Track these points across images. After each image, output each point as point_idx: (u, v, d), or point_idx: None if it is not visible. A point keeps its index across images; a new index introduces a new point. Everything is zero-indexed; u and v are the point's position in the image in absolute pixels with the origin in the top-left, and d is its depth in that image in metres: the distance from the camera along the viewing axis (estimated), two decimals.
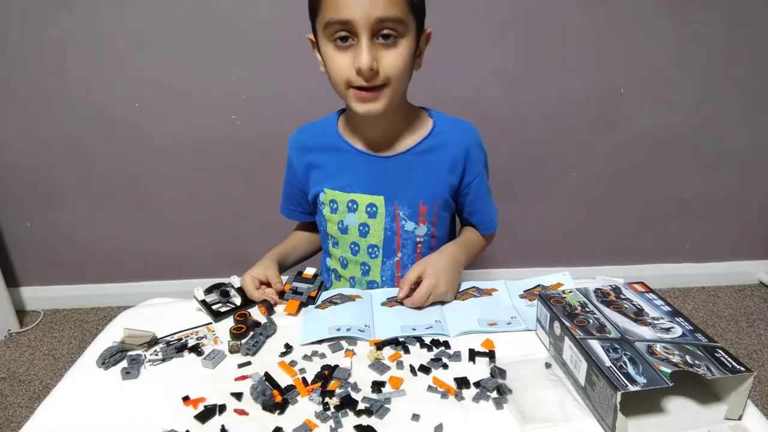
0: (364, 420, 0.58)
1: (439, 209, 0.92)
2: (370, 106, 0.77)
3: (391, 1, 0.70)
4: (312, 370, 0.66)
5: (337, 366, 0.66)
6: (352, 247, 0.93)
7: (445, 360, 0.67)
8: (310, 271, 0.87)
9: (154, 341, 0.72)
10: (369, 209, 0.90)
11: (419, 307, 0.79)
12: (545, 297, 0.69)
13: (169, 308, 0.83)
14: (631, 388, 0.51)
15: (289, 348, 0.71)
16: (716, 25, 1.65)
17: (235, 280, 0.86)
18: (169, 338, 0.74)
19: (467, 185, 0.92)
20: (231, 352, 0.71)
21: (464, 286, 0.86)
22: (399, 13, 0.72)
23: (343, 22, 0.71)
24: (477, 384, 0.63)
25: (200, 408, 0.61)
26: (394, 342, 0.71)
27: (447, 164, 0.90)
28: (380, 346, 0.70)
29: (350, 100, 0.79)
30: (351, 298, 0.82)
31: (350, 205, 0.90)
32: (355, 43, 0.73)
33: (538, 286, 0.84)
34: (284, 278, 0.87)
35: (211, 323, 0.78)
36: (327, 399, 0.60)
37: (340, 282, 0.99)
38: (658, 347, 0.58)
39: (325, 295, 0.84)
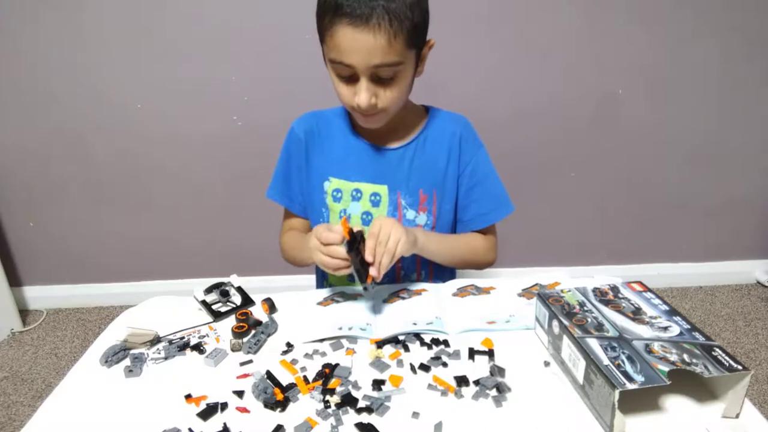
0: (365, 418, 0.59)
1: (439, 199, 0.93)
2: (371, 124, 0.85)
3: (389, 49, 0.73)
4: (313, 368, 0.67)
5: (337, 364, 0.67)
6: None
7: (444, 358, 0.68)
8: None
9: (156, 340, 0.73)
10: (372, 198, 0.92)
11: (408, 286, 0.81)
12: (544, 296, 0.70)
13: (172, 307, 0.83)
14: (629, 386, 0.52)
15: (290, 346, 0.71)
16: (715, 25, 1.66)
17: (235, 279, 0.86)
18: (171, 337, 0.74)
19: (461, 175, 0.94)
20: (233, 350, 0.71)
21: (462, 283, 0.86)
22: (396, 57, 0.75)
23: (345, 65, 0.75)
24: (476, 382, 0.63)
25: (202, 406, 0.61)
26: (394, 340, 0.72)
27: (443, 154, 0.92)
28: (380, 344, 0.71)
29: (353, 113, 0.85)
30: (353, 297, 0.83)
31: (354, 193, 0.92)
32: (357, 79, 0.77)
33: (536, 284, 0.85)
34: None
35: (212, 322, 0.78)
36: (328, 397, 0.61)
37: (336, 277, 0.99)
38: (655, 346, 0.58)
39: (327, 293, 0.85)
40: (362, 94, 0.77)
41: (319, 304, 0.81)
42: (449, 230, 0.98)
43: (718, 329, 1.78)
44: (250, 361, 0.69)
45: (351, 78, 0.78)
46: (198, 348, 0.71)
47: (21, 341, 1.78)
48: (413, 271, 0.96)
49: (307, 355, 0.69)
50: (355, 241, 0.73)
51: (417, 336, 0.72)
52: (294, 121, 0.97)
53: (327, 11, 0.74)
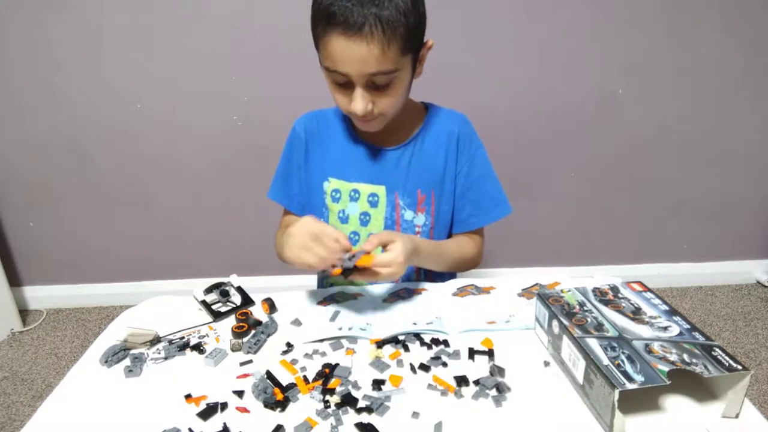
0: (365, 417, 0.59)
1: (437, 199, 0.93)
2: (369, 127, 0.85)
3: (383, 57, 0.72)
4: (313, 368, 0.67)
5: (337, 364, 0.67)
6: (352, 236, 0.94)
7: (444, 358, 0.68)
8: None
9: (156, 340, 0.73)
10: (370, 198, 0.92)
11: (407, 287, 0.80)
12: (544, 296, 0.70)
13: (172, 307, 0.83)
14: (629, 386, 0.52)
15: (290, 346, 0.71)
16: (715, 25, 1.66)
17: (235, 279, 0.86)
18: (171, 337, 0.74)
19: (458, 175, 0.93)
20: (233, 350, 0.71)
21: (462, 283, 0.86)
22: (391, 65, 0.74)
23: (340, 73, 0.75)
24: (476, 382, 0.63)
25: (202, 406, 0.61)
26: (394, 340, 0.72)
27: (441, 153, 0.92)
28: (380, 344, 0.71)
29: (351, 117, 0.84)
30: (353, 297, 0.83)
31: (352, 194, 0.92)
32: (352, 86, 0.77)
33: (536, 284, 0.85)
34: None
35: (212, 322, 0.78)
36: (328, 397, 0.61)
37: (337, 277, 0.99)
38: (655, 346, 0.58)
39: (326, 293, 0.85)
40: (358, 102, 0.76)
41: (319, 304, 0.81)
42: (448, 230, 0.98)
43: (718, 329, 1.78)
44: (250, 361, 0.69)
45: (346, 85, 0.77)
46: (198, 348, 0.71)
47: (21, 341, 1.78)
48: (413, 271, 0.97)
49: (306, 355, 0.69)
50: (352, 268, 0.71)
51: (417, 336, 0.72)
52: (295, 121, 0.97)
53: (320, 19, 0.73)
